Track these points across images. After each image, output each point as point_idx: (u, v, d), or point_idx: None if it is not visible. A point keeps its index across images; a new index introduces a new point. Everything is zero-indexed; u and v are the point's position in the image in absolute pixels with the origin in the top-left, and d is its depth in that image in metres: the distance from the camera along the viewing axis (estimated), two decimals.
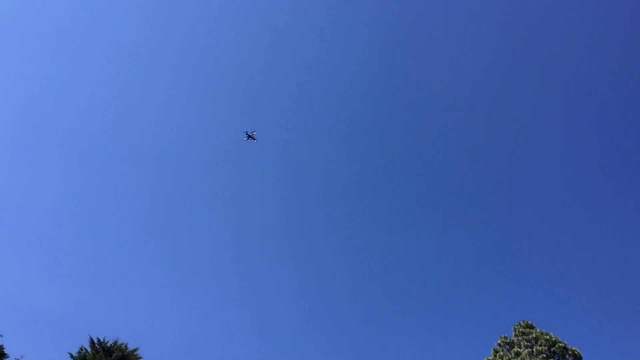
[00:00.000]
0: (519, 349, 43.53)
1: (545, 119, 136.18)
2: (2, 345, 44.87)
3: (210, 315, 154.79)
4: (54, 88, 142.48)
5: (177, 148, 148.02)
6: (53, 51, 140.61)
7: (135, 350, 44.53)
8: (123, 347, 44.25)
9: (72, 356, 44.25)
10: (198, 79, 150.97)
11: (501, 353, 43.78)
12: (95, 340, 44.71)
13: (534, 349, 43.00)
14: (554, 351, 42.90)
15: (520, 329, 44.86)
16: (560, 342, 43.12)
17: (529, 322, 45.21)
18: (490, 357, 44.04)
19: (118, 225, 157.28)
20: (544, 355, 42.22)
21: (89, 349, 44.41)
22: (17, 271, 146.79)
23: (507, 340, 44.68)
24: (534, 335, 43.97)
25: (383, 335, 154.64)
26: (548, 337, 43.66)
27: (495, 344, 44.91)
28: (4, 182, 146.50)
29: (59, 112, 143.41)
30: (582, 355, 42.62)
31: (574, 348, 42.71)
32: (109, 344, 44.45)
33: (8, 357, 44.22)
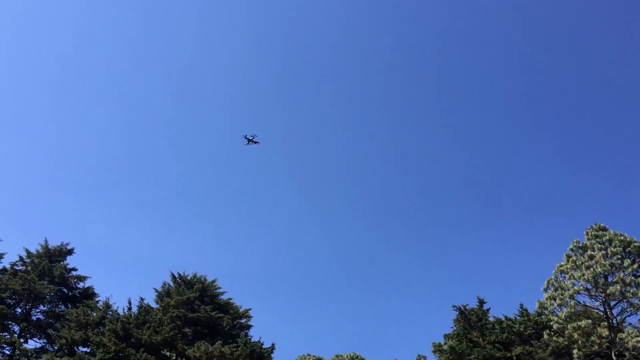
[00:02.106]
0: (592, 252, 43.10)
1: None
2: (91, 286, 47.57)
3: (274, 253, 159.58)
4: None
5: None
6: None
7: (214, 281, 46.43)
8: (202, 279, 46.13)
9: (157, 291, 46.61)
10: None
11: (574, 258, 43.52)
12: (177, 275, 46.79)
13: (608, 251, 42.50)
14: (629, 251, 42.36)
15: (593, 232, 44.19)
16: (635, 242, 42.43)
17: (602, 224, 44.44)
18: (563, 263, 43.95)
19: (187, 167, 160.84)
20: (619, 256, 41.70)
21: (171, 284, 46.59)
22: (102, 217, 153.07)
23: (580, 245, 44.25)
24: (607, 238, 43.32)
25: (462, 237, 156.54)
26: (622, 237, 42.92)
27: (568, 249, 44.59)
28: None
29: None
30: None
31: None
32: (189, 277, 46.43)
33: (98, 296, 46.94)
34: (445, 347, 42.00)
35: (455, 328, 43.42)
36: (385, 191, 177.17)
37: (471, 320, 43.36)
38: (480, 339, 40.62)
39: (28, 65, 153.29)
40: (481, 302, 44.79)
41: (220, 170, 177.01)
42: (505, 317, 43.77)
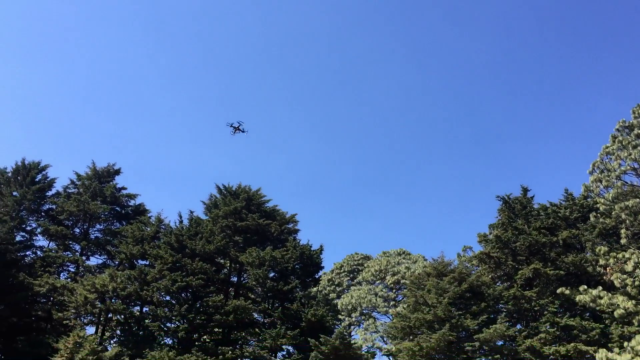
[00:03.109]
0: (639, 131, 41.90)
1: None
2: (142, 203, 49.33)
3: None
4: None
5: None
6: None
7: (258, 190, 47.43)
8: (247, 189, 47.17)
9: (204, 203, 48.11)
10: None
11: (620, 138, 42.38)
12: (222, 187, 47.96)
13: None
14: None
15: None
16: None
17: None
18: (608, 144, 42.94)
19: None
20: None
21: (217, 195, 47.88)
22: (144, 134, 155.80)
23: (626, 124, 42.89)
24: None
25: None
26: None
27: (614, 129, 43.34)
28: None
29: None
30: None
31: None
32: (234, 188, 47.53)
33: (149, 212, 48.74)
34: (491, 236, 42.47)
35: (499, 218, 43.62)
36: (427, 86, 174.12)
37: (515, 209, 43.50)
38: (526, 226, 40.82)
39: None
40: (525, 191, 44.65)
41: (254, 80, 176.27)
42: (550, 203, 43.65)
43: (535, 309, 38.19)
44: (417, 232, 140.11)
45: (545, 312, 37.33)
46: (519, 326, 39.87)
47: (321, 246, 44.87)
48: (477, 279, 39.43)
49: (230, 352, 37.13)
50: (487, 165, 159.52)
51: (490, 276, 41.47)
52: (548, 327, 36.14)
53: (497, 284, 41.62)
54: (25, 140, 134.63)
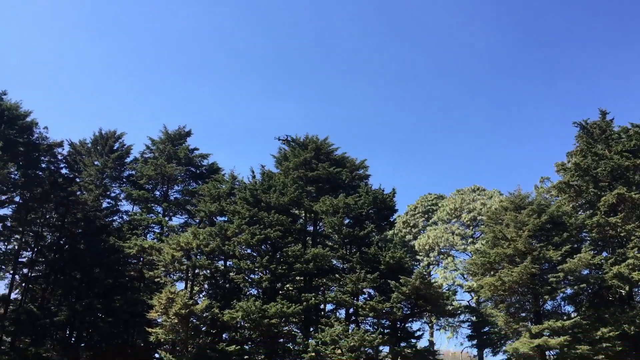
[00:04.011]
0: None
1: None
2: (215, 162, 50.64)
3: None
4: None
5: None
6: None
7: (325, 139, 47.52)
8: (314, 139, 47.35)
9: (274, 157, 48.76)
10: None
11: None
12: (290, 139, 48.36)
13: None
14: None
15: None
16: None
17: None
18: None
19: None
20: None
21: (286, 148, 48.39)
22: (207, 94, 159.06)
23: None
24: None
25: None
26: None
27: None
28: None
29: None
30: None
31: None
32: (302, 140, 47.83)
33: (223, 170, 50.01)
34: (569, 165, 40.91)
35: (577, 145, 41.78)
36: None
37: (594, 134, 41.54)
38: (606, 151, 39.01)
39: None
40: (603, 114, 42.38)
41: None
42: (632, 124, 41.22)
43: (622, 234, 36.90)
44: (491, 168, 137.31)
45: (633, 238, 35.98)
46: (604, 254, 38.75)
47: (393, 189, 44.80)
48: (558, 209, 38.34)
49: (313, 299, 38.23)
50: (561, 91, 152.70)
51: (571, 205, 40.23)
52: (636, 252, 34.90)
53: (579, 212, 40.38)
54: (97, 110, 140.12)
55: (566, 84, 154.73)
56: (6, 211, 40.88)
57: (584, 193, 39.84)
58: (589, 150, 39.96)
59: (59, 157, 44.51)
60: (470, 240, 54.14)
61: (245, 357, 38.18)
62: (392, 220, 46.50)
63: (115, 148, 49.79)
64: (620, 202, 37.38)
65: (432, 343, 50.70)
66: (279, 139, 48.92)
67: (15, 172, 39.57)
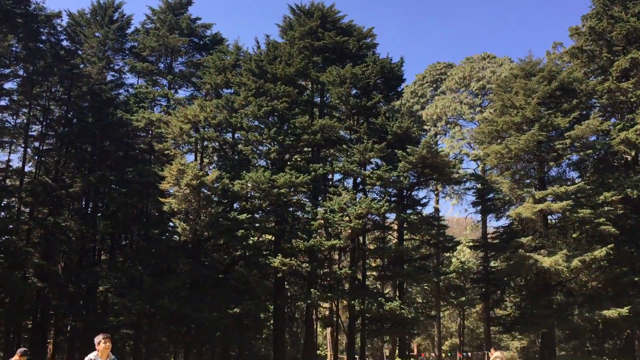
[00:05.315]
0: None
1: None
2: (218, 32, 49.33)
3: None
4: None
5: None
6: None
7: (332, 6, 45.77)
8: (320, 6, 45.60)
9: (279, 26, 47.30)
10: None
11: None
12: (294, 7, 46.62)
13: None
14: None
15: None
16: None
17: None
18: None
19: None
20: None
21: (291, 16, 46.80)
22: None
23: None
24: None
25: None
26: None
27: None
28: None
29: None
30: None
31: None
32: (307, 7, 46.10)
33: (227, 40, 48.80)
34: (584, 29, 39.53)
35: (593, 7, 39.96)
36: None
37: None
38: (622, 13, 37.43)
39: None
40: None
41: None
42: None
43: (632, 100, 36.59)
44: (502, 35, 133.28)
45: None
46: (613, 120, 38.64)
47: (402, 58, 43.82)
48: (569, 75, 37.65)
49: (321, 169, 38.85)
50: None
51: (582, 71, 39.41)
52: None
53: (590, 79, 39.65)
54: None
55: None
56: (11, 85, 40.75)
57: (597, 58, 38.93)
58: (605, 12, 38.44)
59: (59, 28, 43.37)
60: (478, 109, 53.77)
61: (256, 224, 39.66)
62: (399, 90, 46.00)
63: (115, 18, 48.20)
64: (633, 67, 36.58)
65: (437, 210, 52.11)
66: None
67: (17, 45, 38.83)
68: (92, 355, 7.99)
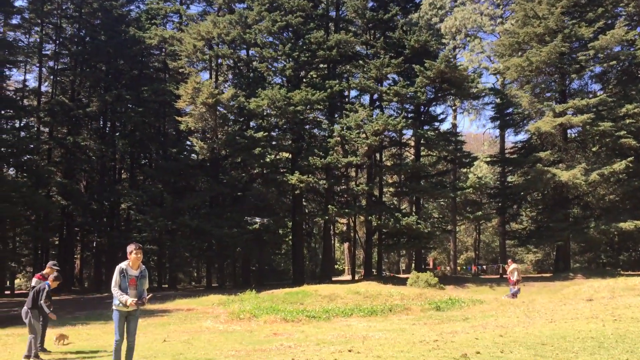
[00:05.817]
0: None
1: None
2: None
3: None
4: None
5: None
6: None
7: None
8: None
9: None
10: None
11: None
12: None
13: None
14: None
15: None
16: None
17: None
18: None
19: None
20: None
21: None
22: None
23: None
24: None
25: None
26: None
27: None
28: None
29: None
30: None
31: None
32: None
33: None
34: None
35: None
36: None
37: None
38: None
39: None
40: None
41: None
42: None
43: None
44: None
45: None
46: (639, 29, 37.22)
47: None
48: None
49: (337, 86, 38.34)
50: None
51: None
52: None
53: None
54: None
55: None
56: (22, 2, 40.10)
57: None
58: None
59: None
60: (499, 20, 51.86)
61: (273, 142, 39.73)
62: (417, 2, 44.50)
63: None
64: None
65: (454, 126, 51.49)
66: None
67: None
68: (123, 264, 8.22)
